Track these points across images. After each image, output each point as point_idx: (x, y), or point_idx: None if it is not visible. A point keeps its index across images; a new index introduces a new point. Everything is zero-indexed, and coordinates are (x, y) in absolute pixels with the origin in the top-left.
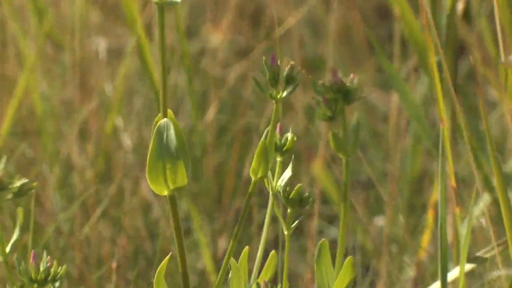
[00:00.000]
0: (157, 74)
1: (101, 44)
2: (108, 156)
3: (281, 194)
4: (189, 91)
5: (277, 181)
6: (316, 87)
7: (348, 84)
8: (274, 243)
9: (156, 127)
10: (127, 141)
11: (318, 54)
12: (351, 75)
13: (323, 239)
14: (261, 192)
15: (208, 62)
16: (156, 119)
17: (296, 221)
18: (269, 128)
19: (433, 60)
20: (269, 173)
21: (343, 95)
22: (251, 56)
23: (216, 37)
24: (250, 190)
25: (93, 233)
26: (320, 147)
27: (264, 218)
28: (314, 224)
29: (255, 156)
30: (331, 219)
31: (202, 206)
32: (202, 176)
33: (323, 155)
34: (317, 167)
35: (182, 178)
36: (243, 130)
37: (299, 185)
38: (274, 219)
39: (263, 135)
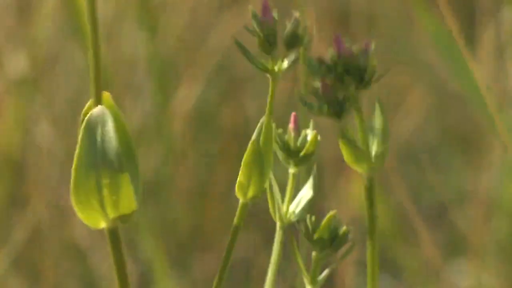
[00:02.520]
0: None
1: None
2: (18, 165)
3: (301, 228)
4: (149, 60)
5: (289, 205)
6: (309, 65)
7: (360, 57)
8: None
9: (84, 121)
10: (48, 139)
11: (350, 2)
12: (364, 42)
13: None
14: (266, 221)
15: (179, 15)
16: (86, 108)
17: (325, 271)
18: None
19: None
20: (277, 193)
21: (355, 75)
22: (245, 6)
23: None
24: (236, 218)
25: None
26: None
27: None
28: (350, 272)
29: (242, 165)
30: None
31: (170, 247)
32: (170, 201)
33: None
34: (355, 183)
35: (129, 200)
36: (236, 126)
37: (331, 212)
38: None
39: (256, 131)
